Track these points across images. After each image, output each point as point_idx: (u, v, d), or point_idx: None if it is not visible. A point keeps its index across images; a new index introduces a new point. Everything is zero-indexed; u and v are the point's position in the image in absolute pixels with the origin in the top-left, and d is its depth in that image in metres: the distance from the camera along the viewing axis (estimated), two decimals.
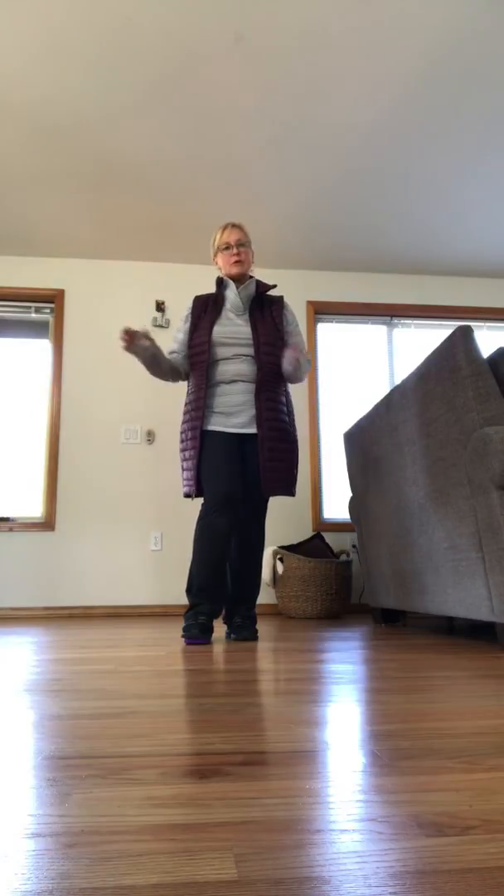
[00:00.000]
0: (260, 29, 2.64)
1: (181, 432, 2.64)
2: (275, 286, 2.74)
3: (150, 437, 4.31)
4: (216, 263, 2.70)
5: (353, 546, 4.24)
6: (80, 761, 0.83)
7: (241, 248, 2.61)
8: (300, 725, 1.01)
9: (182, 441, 2.62)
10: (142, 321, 4.46)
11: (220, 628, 2.95)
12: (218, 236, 2.65)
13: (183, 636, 2.37)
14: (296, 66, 2.84)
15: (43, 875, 0.51)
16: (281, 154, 3.45)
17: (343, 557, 3.97)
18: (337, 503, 4.48)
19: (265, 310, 2.64)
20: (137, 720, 1.07)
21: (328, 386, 4.64)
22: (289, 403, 2.65)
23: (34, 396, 4.38)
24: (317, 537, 4.01)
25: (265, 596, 4.12)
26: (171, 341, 4.36)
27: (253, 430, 2.52)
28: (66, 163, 3.50)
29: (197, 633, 2.35)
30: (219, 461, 2.48)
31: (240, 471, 2.51)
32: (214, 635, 2.64)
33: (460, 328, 2.16)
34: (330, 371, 4.66)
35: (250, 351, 2.54)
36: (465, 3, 2.55)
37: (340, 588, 3.77)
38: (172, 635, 2.67)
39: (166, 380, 2.69)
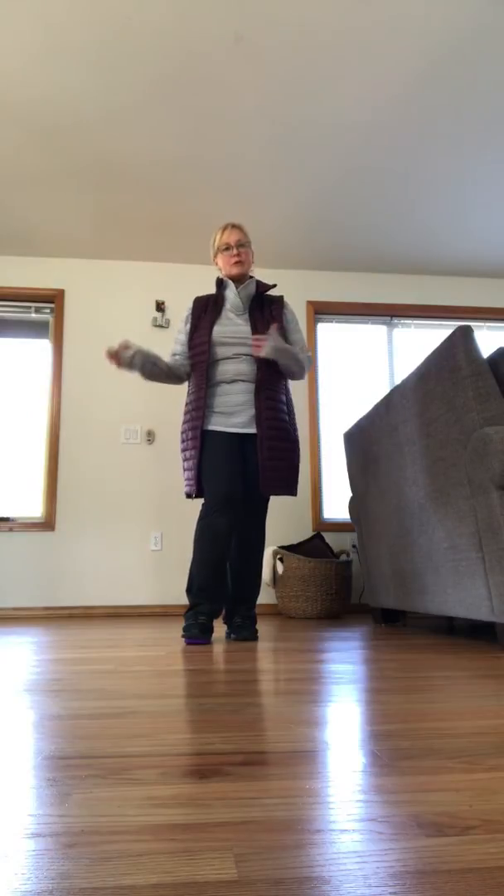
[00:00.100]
0: (260, 29, 2.64)
1: (182, 432, 2.64)
2: (274, 286, 2.74)
3: (150, 437, 4.31)
4: (216, 264, 2.70)
5: (353, 546, 4.24)
6: (80, 761, 0.83)
7: (241, 248, 2.61)
8: (300, 725, 1.01)
9: (182, 441, 2.62)
10: (142, 321, 4.46)
11: (220, 628, 2.95)
12: (218, 237, 2.65)
13: (183, 636, 2.37)
14: (296, 66, 2.84)
15: (43, 875, 0.51)
16: (281, 154, 3.45)
17: (343, 557, 3.97)
18: (337, 503, 4.48)
19: (265, 309, 2.64)
20: (137, 720, 1.07)
21: (328, 386, 4.64)
22: (289, 403, 2.65)
23: (34, 396, 4.38)
24: (317, 537, 4.01)
25: (265, 596, 4.12)
26: (171, 342, 4.40)
27: (253, 429, 2.52)
28: (66, 163, 3.50)
29: (197, 633, 2.35)
30: (219, 461, 2.48)
31: (240, 471, 2.51)
32: (214, 635, 2.64)
33: (460, 328, 2.16)
34: (330, 371, 4.66)
35: (250, 350, 2.54)
36: (465, 3, 2.55)
37: (340, 588, 3.77)
38: (172, 635, 2.67)
39: (167, 383, 2.70)
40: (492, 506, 2.01)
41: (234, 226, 2.64)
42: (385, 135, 3.30)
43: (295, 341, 2.65)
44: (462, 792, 0.70)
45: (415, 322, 4.79)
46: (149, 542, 4.19)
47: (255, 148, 3.39)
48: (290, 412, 2.63)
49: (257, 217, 4.03)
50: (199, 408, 2.54)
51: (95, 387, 4.34)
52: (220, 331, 2.57)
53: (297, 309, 4.59)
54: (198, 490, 2.55)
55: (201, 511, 2.49)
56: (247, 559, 2.58)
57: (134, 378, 4.35)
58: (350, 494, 3.88)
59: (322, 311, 4.68)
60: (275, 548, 3.88)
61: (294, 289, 4.64)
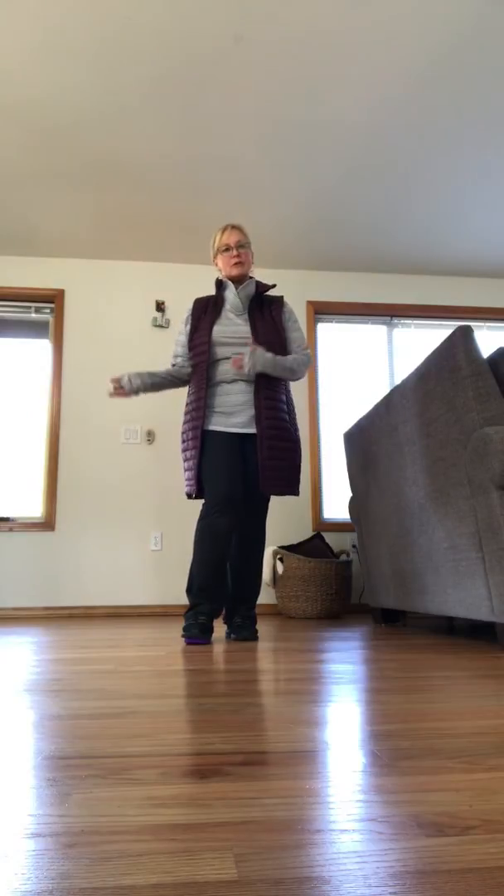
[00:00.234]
0: (260, 29, 2.64)
1: (182, 432, 2.64)
2: (274, 286, 2.74)
3: (150, 437, 4.31)
4: (216, 265, 2.70)
5: (353, 546, 4.24)
6: (80, 761, 0.83)
7: (240, 249, 2.61)
8: (300, 725, 1.01)
9: (183, 441, 2.63)
10: (142, 321, 4.46)
11: (220, 628, 2.95)
12: (217, 238, 2.66)
13: (183, 636, 2.37)
14: (296, 66, 2.84)
15: (43, 875, 0.51)
16: (281, 154, 3.45)
17: (343, 557, 3.97)
18: (337, 503, 4.48)
19: (264, 309, 2.65)
20: (137, 720, 1.07)
21: (328, 386, 4.64)
22: (289, 402, 2.65)
23: (34, 396, 4.38)
24: (317, 537, 4.01)
25: (265, 596, 4.12)
26: (171, 342, 4.40)
27: (253, 429, 2.52)
28: (66, 163, 3.50)
29: (197, 633, 2.35)
30: (219, 461, 2.48)
31: (240, 471, 2.51)
32: (214, 635, 2.64)
33: (460, 328, 2.16)
34: (330, 371, 4.66)
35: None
36: (465, 3, 2.55)
37: (340, 588, 3.77)
38: (172, 635, 2.67)
39: (172, 388, 2.71)
40: (492, 506, 2.01)
41: (233, 227, 2.64)
42: (385, 135, 3.30)
43: (294, 339, 2.65)
44: (462, 792, 0.70)
45: (415, 322, 4.79)
46: (149, 542, 4.19)
47: (255, 148, 3.39)
48: (291, 412, 2.63)
49: (257, 217, 4.03)
50: (200, 408, 2.54)
51: (95, 387, 4.34)
52: (219, 331, 2.57)
53: (297, 309, 4.59)
54: (198, 490, 2.56)
55: (201, 511, 2.49)
56: (247, 559, 2.58)
57: None
58: (350, 494, 3.88)
59: (322, 311, 4.68)
60: (275, 548, 3.88)
61: (294, 289, 4.64)
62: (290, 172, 3.61)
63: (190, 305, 2.71)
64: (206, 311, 2.65)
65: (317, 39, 2.70)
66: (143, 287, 4.51)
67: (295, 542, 4.25)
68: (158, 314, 4.47)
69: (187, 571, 3.96)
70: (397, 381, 4.36)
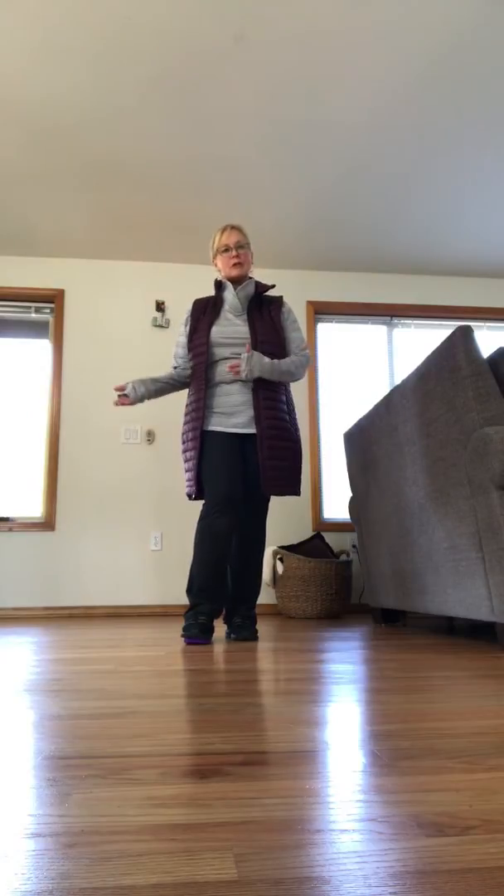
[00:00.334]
0: (260, 29, 2.64)
1: (182, 433, 2.64)
2: (273, 286, 2.74)
3: (150, 437, 4.31)
4: (216, 265, 2.70)
5: (353, 546, 4.24)
6: (80, 761, 0.83)
7: (240, 249, 2.61)
8: (300, 725, 1.01)
9: (183, 442, 2.63)
10: (142, 321, 4.46)
11: (220, 628, 2.95)
12: (217, 238, 2.66)
13: (183, 636, 2.38)
14: (296, 66, 2.84)
15: (43, 875, 0.51)
16: (281, 154, 3.45)
17: (343, 557, 3.97)
18: (337, 503, 4.48)
19: (264, 310, 2.65)
20: (137, 720, 1.07)
21: (328, 386, 4.64)
22: (289, 402, 2.65)
23: (34, 396, 4.38)
24: (317, 537, 4.01)
25: (265, 596, 4.12)
26: (171, 342, 4.41)
27: (253, 429, 2.52)
28: (66, 163, 3.50)
29: (197, 633, 2.35)
30: (219, 462, 2.48)
31: (240, 471, 2.51)
32: (214, 635, 2.64)
33: (460, 328, 2.16)
34: (330, 371, 4.66)
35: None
36: (464, 4, 2.55)
37: (340, 588, 3.77)
38: (172, 635, 2.67)
39: (175, 391, 2.73)
40: (492, 506, 2.01)
41: (233, 227, 2.64)
42: (385, 134, 3.30)
43: (293, 340, 2.65)
44: (462, 792, 0.70)
45: (415, 322, 4.79)
46: (149, 542, 4.19)
47: (255, 148, 3.39)
48: (291, 412, 2.63)
49: (257, 217, 4.03)
50: (199, 409, 2.54)
51: (95, 387, 4.34)
52: (218, 331, 2.57)
53: (297, 309, 4.59)
54: (198, 491, 2.56)
55: (202, 511, 2.49)
56: (247, 559, 2.58)
57: (134, 378, 4.35)
58: (350, 494, 3.88)
59: (322, 311, 4.68)
60: (275, 548, 3.88)
61: (294, 289, 4.64)
62: (290, 172, 3.61)
63: (189, 307, 2.72)
64: (205, 312, 2.65)
65: (317, 39, 2.70)
66: (143, 287, 4.51)
67: (295, 542, 4.25)
68: (158, 314, 4.47)
69: (187, 571, 3.97)
70: (397, 381, 4.36)
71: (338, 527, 4.35)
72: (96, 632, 2.89)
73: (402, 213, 4.01)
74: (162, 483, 4.26)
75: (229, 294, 2.63)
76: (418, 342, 4.79)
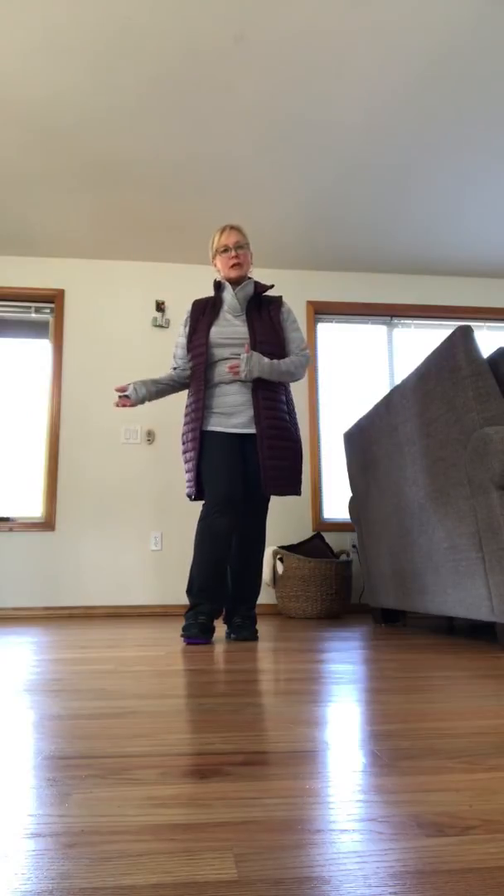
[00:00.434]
0: (260, 29, 2.64)
1: (182, 434, 2.64)
2: (272, 286, 2.74)
3: (150, 437, 4.31)
4: (215, 265, 2.70)
5: (353, 546, 4.24)
6: (80, 761, 0.83)
7: (239, 250, 2.61)
8: (300, 725, 1.01)
9: (183, 443, 2.63)
10: (142, 321, 4.46)
11: (220, 628, 2.95)
12: (216, 238, 2.66)
13: (182, 636, 2.38)
14: (295, 66, 2.84)
15: (43, 875, 0.51)
16: (281, 154, 3.45)
17: (343, 557, 3.97)
18: (337, 503, 4.48)
19: (263, 310, 2.64)
20: (137, 720, 1.07)
21: (328, 386, 4.64)
22: (289, 402, 2.65)
23: (34, 396, 4.38)
24: (317, 537, 4.01)
25: (265, 596, 4.12)
26: (171, 342, 4.41)
27: (253, 430, 2.52)
28: (66, 163, 3.50)
29: (196, 633, 2.35)
30: (219, 462, 2.48)
31: (240, 471, 2.51)
32: (214, 635, 2.64)
33: (460, 328, 2.16)
34: (330, 371, 4.66)
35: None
36: (465, 3, 2.55)
37: (340, 588, 3.77)
38: (172, 635, 2.67)
39: (176, 392, 2.73)
40: (492, 506, 2.01)
41: (232, 227, 2.64)
42: (385, 134, 3.30)
43: (292, 340, 2.64)
44: (462, 792, 0.70)
45: (415, 322, 4.79)
46: (149, 542, 4.19)
47: (255, 148, 3.39)
48: (291, 411, 2.63)
49: (257, 217, 4.03)
50: (199, 409, 2.54)
51: (95, 387, 4.34)
52: (217, 332, 2.57)
53: (297, 309, 4.59)
54: (198, 492, 2.56)
55: (202, 512, 2.49)
56: (247, 559, 2.58)
57: (134, 378, 4.35)
58: (350, 494, 3.88)
59: (322, 311, 4.68)
60: (275, 548, 3.88)
61: (294, 289, 4.64)
62: (290, 172, 3.61)
63: (189, 307, 2.72)
64: (204, 313, 2.65)
65: (317, 39, 2.70)
66: (143, 287, 4.51)
67: (295, 542, 4.25)
68: (158, 314, 4.47)
69: (187, 571, 3.97)
70: (397, 381, 4.36)
71: (338, 527, 4.35)
72: (96, 632, 2.89)
73: (402, 213, 4.01)
74: (162, 483, 4.26)
75: (228, 295, 2.63)
76: (418, 342, 4.79)
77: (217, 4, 2.54)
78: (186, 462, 2.60)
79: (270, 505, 4.22)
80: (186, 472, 2.61)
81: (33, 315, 4.47)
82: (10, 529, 4.10)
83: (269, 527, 4.22)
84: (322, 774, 0.77)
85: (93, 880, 0.50)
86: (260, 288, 2.67)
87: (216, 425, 2.53)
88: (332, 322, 4.73)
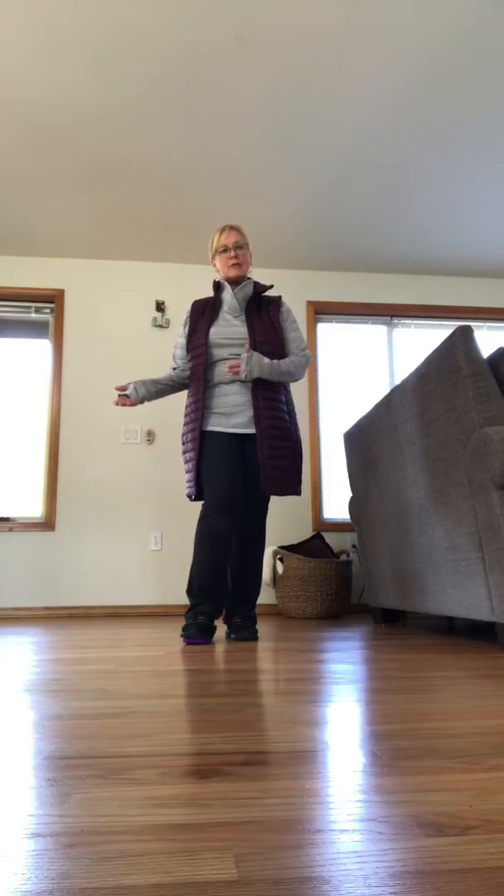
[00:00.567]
0: (260, 29, 2.64)
1: (182, 434, 2.64)
2: (271, 286, 2.74)
3: (150, 437, 4.31)
4: (214, 266, 2.70)
5: (353, 546, 4.24)
6: (80, 761, 0.83)
7: (238, 250, 2.61)
8: (300, 725, 1.01)
9: (183, 443, 2.63)
10: (142, 321, 4.46)
11: (220, 628, 2.95)
12: (216, 239, 2.66)
13: (182, 636, 2.38)
14: (295, 66, 2.84)
15: (43, 875, 0.51)
16: (281, 153, 3.45)
17: (343, 557, 3.97)
18: (337, 503, 4.48)
19: (262, 310, 2.64)
20: (137, 720, 1.07)
21: (328, 386, 4.64)
22: (289, 402, 2.65)
23: (34, 396, 4.38)
24: (317, 537, 4.01)
25: (265, 596, 4.12)
26: (171, 342, 4.41)
27: (252, 430, 2.52)
28: (67, 163, 3.50)
29: (195, 633, 2.35)
30: (219, 462, 2.48)
31: (240, 471, 2.51)
32: (215, 635, 2.63)
33: (460, 328, 2.16)
34: (330, 371, 4.66)
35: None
36: (465, 3, 2.55)
37: (340, 588, 3.77)
38: (172, 635, 2.67)
39: (176, 392, 2.73)
40: (492, 506, 2.01)
41: (231, 227, 2.64)
42: (385, 134, 3.30)
43: (292, 340, 2.64)
44: (462, 792, 0.70)
45: (415, 322, 4.79)
46: (149, 542, 4.19)
47: (255, 147, 3.39)
48: (291, 411, 2.63)
49: (257, 217, 4.03)
50: (199, 409, 2.54)
51: (95, 387, 4.34)
52: (216, 332, 2.57)
53: (297, 309, 4.59)
54: (198, 492, 2.55)
55: (201, 511, 2.49)
56: (247, 559, 2.58)
57: (134, 378, 4.35)
58: (350, 494, 3.88)
59: (322, 311, 4.68)
60: (275, 548, 3.88)
61: (294, 289, 4.64)
62: (290, 172, 3.61)
63: (188, 308, 2.72)
64: (203, 313, 2.66)
65: (317, 39, 2.70)
66: (143, 287, 4.51)
67: (295, 542, 4.25)
68: (158, 314, 4.47)
69: (187, 571, 3.97)
70: (397, 381, 4.36)
71: (338, 527, 4.35)
72: (96, 632, 2.89)
73: (402, 213, 4.01)
74: (162, 483, 4.26)
75: (227, 295, 2.63)
76: (418, 342, 4.79)
77: (217, 4, 2.54)
78: (186, 462, 2.60)
79: (270, 505, 4.22)
80: (186, 472, 2.61)
81: (33, 315, 4.47)
82: (10, 529, 4.10)
83: (269, 527, 4.22)
84: (322, 774, 0.77)
85: (93, 880, 0.50)
86: (259, 288, 2.67)
87: (216, 425, 2.53)
88: (332, 322, 4.74)
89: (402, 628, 2.97)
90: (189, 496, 2.59)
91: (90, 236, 4.23)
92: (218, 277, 2.71)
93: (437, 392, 2.29)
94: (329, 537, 4.31)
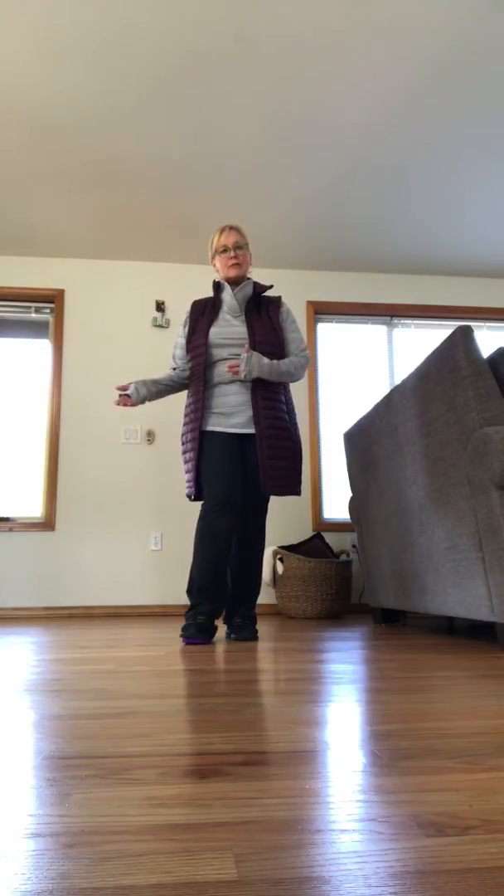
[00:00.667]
0: (260, 28, 2.64)
1: (182, 434, 2.64)
2: (271, 286, 2.75)
3: (150, 437, 4.31)
4: (214, 266, 2.70)
5: (353, 546, 4.24)
6: (80, 761, 0.83)
7: (238, 250, 2.61)
8: (300, 725, 1.01)
9: (183, 443, 2.63)
10: (142, 321, 4.46)
11: (220, 628, 2.95)
12: (216, 239, 2.66)
13: (181, 636, 2.38)
14: (295, 66, 2.84)
15: (43, 875, 0.51)
16: (281, 153, 3.45)
17: (343, 557, 3.97)
18: (337, 503, 4.48)
19: (262, 310, 2.65)
20: (137, 720, 1.07)
21: (328, 386, 4.64)
22: (289, 402, 2.65)
23: (34, 396, 4.38)
24: (317, 537, 4.01)
25: (265, 596, 4.12)
26: (171, 342, 4.41)
27: (252, 429, 2.52)
28: (67, 163, 3.50)
29: (194, 633, 2.35)
30: (218, 462, 2.48)
31: (239, 471, 2.51)
32: (215, 635, 2.63)
33: (460, 328, 2.16)
34: (330, 371, 4.66)
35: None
36: (465, 3, 2.55)
37: (340, 588, 3.77)
38: (172, 635, 2.67)
39: (176, 392, 2.73)
40: (492, 506, 2.01)
41: (231, 227, 2.64)
42: (385, 134, 3.30)
43: (292, 340, 2.65)
44: (462, 792, 0.70)
45: (415, 322, 4.79)
46: (149, 542, 4.19)
47: (255, 147, 3.39)
48: (291, 412, 2.63)
49: (257, 217, 4.03)
50: (198, 409, 2.54)
51: (95, 387, 4.34)
52: (216, 332, 2.58)
53: (297, 309, 4.59)
54: (197, 492, 2.55)
55: (201, 511, 2.49)
56: (247, 559, 2.58)
57: (134, 378, 4.35)
58: (350, 494, 3.88)
59: (322, 311, 4.68)
60: (275, 548, 3.88)
61: (294, 289, 4.64)
62: (290, 172, 3.61)
63: (188, 308, 2.72)
64: (203, 314, 2.66)
65: (316, 39, 2.70)
66: (143, 287, 4.51)
67: (295, 542, 4.25)
68: (158, 314, 4.47)
69: (187, 571, 3.97)
70: (397, 381, 4.36)
71: (338, 527, 4.35)
72: (96, 632, 2.89)
73: (402, 213, 4.01)
74: (162, 483, 4.26)
75: (227, 295, 2.63)
76: (418, 342, 4.79)
77: (217, 4, 2.54)
78: (186, 462, 2.60)
79: (270, 505, 4.22)
80: (186, 472, 2.61)
81: (33, 315, 4.47)
82: (10, 529, 4.10)
83: (269, 527, 4.22)
84: (322, 774, 0.77)
85: (93, 880, 0.50)
86: (259, 288, 2.67)
87: (215, 425, 2.53)
88: (332, 322, 4.74)
89: (402, 628, 2.97)
90: (189, 496, 2.59)
91: (90, 236, 4.23)
92: (218, 277, 2.71)
93: (437, 392, 2.29)
94: (329, 537, 4.31)
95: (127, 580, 4.12)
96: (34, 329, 4.47)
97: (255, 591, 2.61)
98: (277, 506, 4.29)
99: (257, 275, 4.13)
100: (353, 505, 3.46)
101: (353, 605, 4.22)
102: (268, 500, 2.61)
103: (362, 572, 3.46)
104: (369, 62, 2.82)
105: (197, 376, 2.58)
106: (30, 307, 4.46)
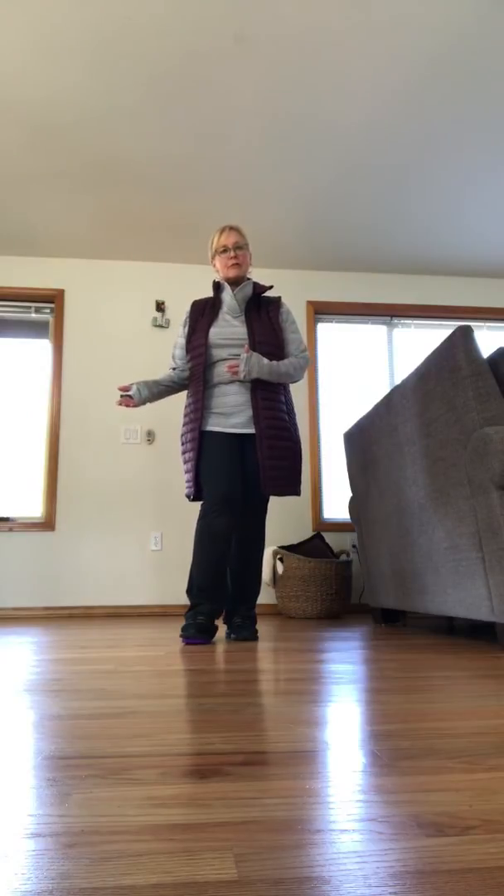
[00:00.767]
0: (260, 28, 2.64)
1: (181, 434, 2.64)
2: (271, 287, 2.75)
3: (150, 437, 4.31)
4: (214, 266, 2.70)
5: (353, 546, 4.24)
6: (80, 761, 0.83)
7: (238, 250, 2.61)
8: (300, 725, 1.01)
9: (182, 444, 2.63)
10: (142, 321, 4.46)
11: (220, 628, 2.94)
12: (215, 239, 2.66)
13: (181, 636, 2.38)
14: (295, 66, 2.84)
15: (43, 875, 0.51)
16: (281, 153, 3.45)
17: (343, 557, 3.97)
18: (337, 503, 4.48)
19: (262, 310, 2.65)
20: (137, 720, 1.07)
21: (328, 386, 4.64)
22: (289, 402, 2.65)
23: (34, 396, 4.38)
24: (317, 537, 4.01)
25: (265, 596, 4.12)
26: (171, 342, 4.41)
27: (252, 429, 2.52)
28: (66, 162, 3.50)
29: (194, 633, 2.35)
30: (218, 462, 2.48)
31: (239, 471, 2.51)
32: (215, 635, 2.63)
33: (460, 328, 2.16)
34: (330, 371, 4.66)
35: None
36: (465, 3, 2.55)
37: (340, 588, 3.77)
38: (172, 635, 2.67)
39: (176, 393, 2.73)
40: (492, 506, 2.01)
41: (231, 228, 2.65)
42: (385, 134, 3.30)
43: (291, 341, 2.65)
44: (462, 792, 0.70)
45: (415, 322, 4.79)
46: (149, 543, 4.19)
47: (255, 147, 3.39)
48: (290, 412, 2.63)
49: (257, 217, 4.03)
50: (198, 409, 2.54)
51: (95, 387, 4.34)
52: (216, 332, 2.58)
53: (296, 309, 4.59)
54: (197, 492, 2.55)
55: (201, 511, 2.49)
56: (247, 559, 2.58)
57: (134, 378, 4.35)
58: (350, 494, 3.88)
59: (322, 311, 4.68)
60: (275, 548, 3.88)
61: (294, 289, 4.64)
62: (290, 172, 3.61)
63: (188, 308, 2.72)
64: (203, 314, 2.66)
65: (316, 39, 2.70)
66: (142, 287, 4.51)
67: (295, 542, 4.25)
68: (158, 314, 4.47)
69: (187, 571, 3.97)
70: (397, 381, 4.36)
71: (338, 527, 4.35)
72: (96, 632, 2.89)
73: (402, 213, 4.01)
74: (162, 483, 4.26)
75: (227, 295, 2.63)
76: (418, 342, 4.79)
77: (217, 4, 2.54)
78: (185, 462, 2.60)
79: (270, 505, 4.22)
80: (185, 472, 2.61)
81: (33, 315, 4.47)
82: (10, 529, 4.10)
83: (269, 527, 4.22)
84: (322, 774, 0.77)
85: (93, 880, 0.50)
86: (259, 289, 2.67)
87: (215, 425, 2.53)
88: (332, 322, 4.73)
89: (402, 628, 2.97)
90: (188, 496, 2.59)
91: (90, 236, 4.23)
92: (218, 278, 2.71)
93: (437, 392, 2.29)
94: (329, 537, 4.31)
95: (127, 580, 4.12)
96: (34, 329, 4.47)
97: (255, 591, 2.61)
98: (277, 506, 4.29)
99: (257, 275, 4.13)
100: (353, 505, 3.46)
101: (353, 605, 4.22)
102: (268, 500, 2.61)
103: (362, 572, 3.46)
104: (369, 62, 2.82)
105: (196, 376, 2.58)
106: (30, 307, 4.46)
